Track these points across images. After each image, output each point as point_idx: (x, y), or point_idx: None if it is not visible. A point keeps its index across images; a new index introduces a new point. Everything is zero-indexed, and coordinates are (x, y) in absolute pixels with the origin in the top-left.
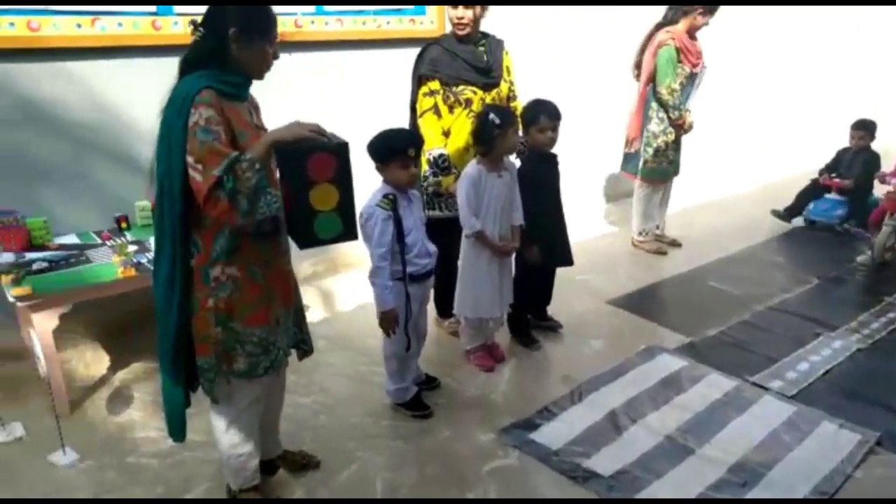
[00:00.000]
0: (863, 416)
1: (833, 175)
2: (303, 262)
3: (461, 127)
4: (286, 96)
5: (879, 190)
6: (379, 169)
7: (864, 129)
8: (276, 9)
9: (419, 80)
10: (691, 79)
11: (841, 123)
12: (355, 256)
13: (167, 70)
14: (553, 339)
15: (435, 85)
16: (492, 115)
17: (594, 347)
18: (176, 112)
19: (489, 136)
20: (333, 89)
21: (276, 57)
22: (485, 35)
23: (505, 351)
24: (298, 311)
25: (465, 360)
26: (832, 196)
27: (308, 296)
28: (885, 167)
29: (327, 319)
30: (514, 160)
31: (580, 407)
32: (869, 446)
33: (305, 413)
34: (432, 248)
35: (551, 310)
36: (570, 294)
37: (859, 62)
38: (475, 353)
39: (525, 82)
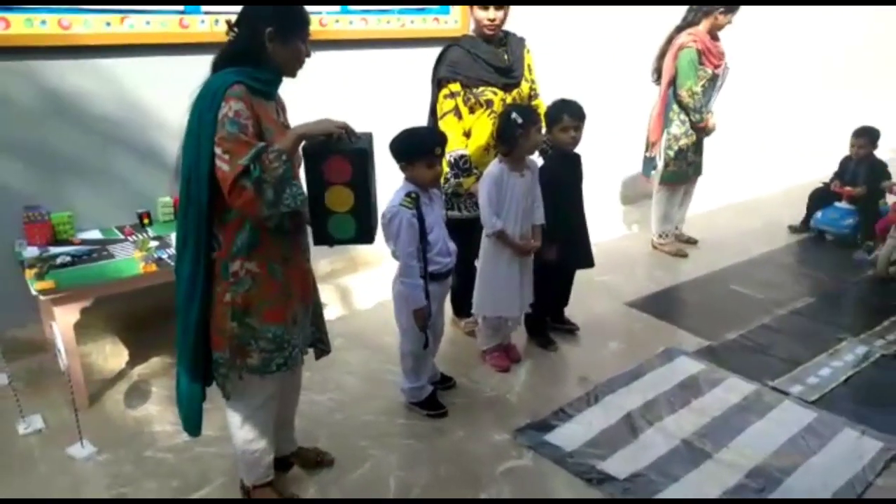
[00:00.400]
0: (885, 423)
1: (842, 183)
2: (321, 259)
3: (482, 128)
4: (310, 95)
5: (893, 198)
6: (403, 168)
7: (866, 136)
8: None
9: (439, 82)
10: (713, 80)
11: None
12: (374, 255)
13: (193, 68)
14: (570, 341)
15: (455, 87)
16: (514, 115)
17: (611, 349)
18: (207, 105)
19: (511, 135)
20: (357, 88)
21: (308, 55)
22: (506, 34)
23: (521, 352)
24: (317, 309)
25: (480, 360)
26: (841, 204)
27: (325, 293)
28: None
29: (344, 317)
30: (538, 158)
31: (596, 409)
32: (892, 454)
33: (320, 410)
34: (453, 246)
35: (569, 310)
36: (588, 295)
37: (883, 63)
38: (491, 354)
39: (548, 82)
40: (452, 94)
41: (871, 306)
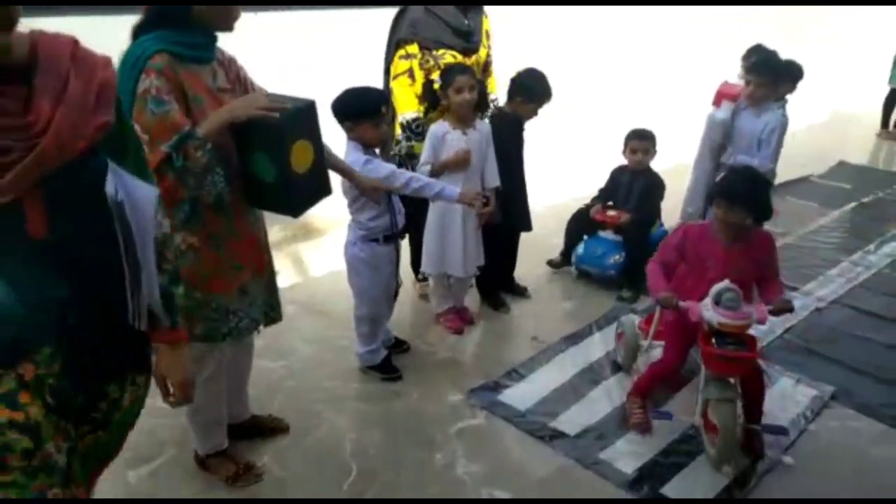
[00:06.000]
0: (817, 371)
1: (609, 204)
2: (273, 226)
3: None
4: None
5: (671, 220)
6: (349, 129)
7: (650, 139)
8: None
9: (397, 43)
10: None
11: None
12: (326, 221)
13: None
14: (522, 302)
15: (413, 48)
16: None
17: (563, 309)
18: (126, 75)
19: (431, 92)
20: (300, 49)
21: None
22: None
23: (475, 314)
24: (270, 277)
25: (435, 323)
26: (606, 234)
27: (278, 261)
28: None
29: (297, 284)
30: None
31: (547, 368)
32: (823, 401)
33: (274, 378)
34: (401, 207)
35: (521, 271)
36: (539, 256)
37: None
38: (445, 316)
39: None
40: (408, 56)
41: (810, 263)
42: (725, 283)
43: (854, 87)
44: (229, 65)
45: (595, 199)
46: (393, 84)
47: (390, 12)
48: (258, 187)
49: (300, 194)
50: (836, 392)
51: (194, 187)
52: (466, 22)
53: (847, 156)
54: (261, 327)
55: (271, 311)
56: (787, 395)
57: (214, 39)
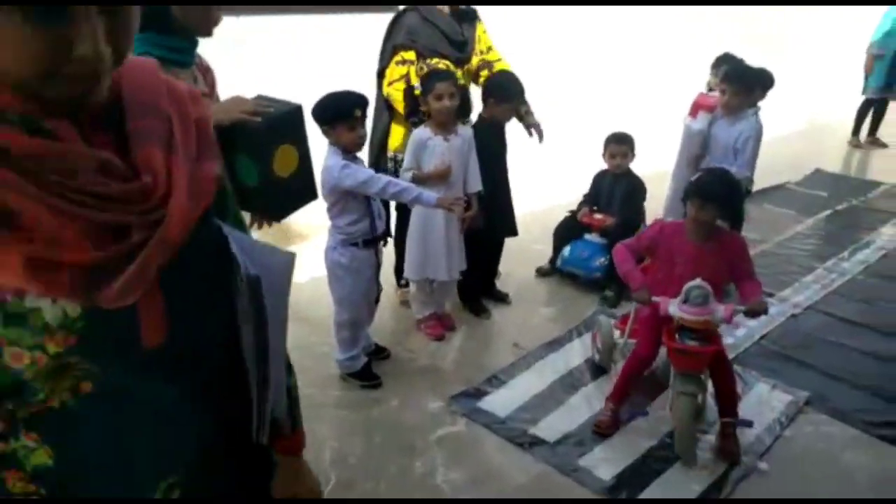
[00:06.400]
0: (792, 377)
1: (594, 208)
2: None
3: None
4: (234, 62)
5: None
6: (326, 132)
7: (627, 142)
8: None
9: (393, 48)
10: None
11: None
12: (307, 227)
13: None
14: (503, 308)
15: (410, 55)
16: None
17: (544, 315)
18: None
19: (411, 99)
20: (286, 54)
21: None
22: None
23: (455, 320)
24: None
25: (416, 330)
26: (592, 237)
27: None
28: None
29: None
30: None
31: (527, 374)
32: (798, 406)
33: None
34: (383, 211)
35: (504, 276)
36: (522, 262)
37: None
38: (426, 322)
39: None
40: (405, 62)
41: (784, 270)
42: (696, 280)
43: (830, 96)
44: (206, 72)
45: (581, 205)
46: (389, 90)
47: (384, 17)
48: (241, 190)
49: (283, 198)
50: (811, 397)
51: None
52: (461, 31)
53: (823, 164)
54: None
55: None
56: (763, 401)
57: (195, 44)
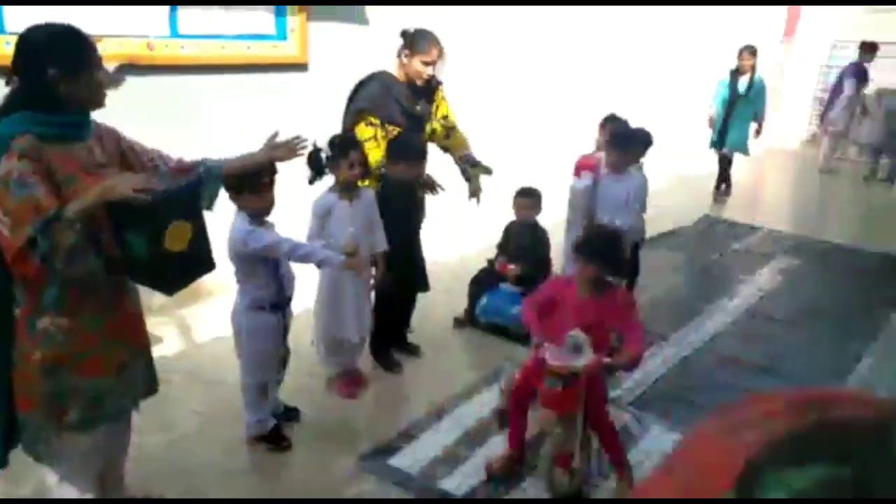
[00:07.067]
0: (686, 418)
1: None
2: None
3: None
4: (138, 122)
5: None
6: (233, 198)
7: (531, 197)
8: (127, 29)
9: (358, 111)
10: None
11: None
12: (214, 285)
13: None
14: (415, 360)
15: (375, 119)
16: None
17: (455, 365)
18: None
19: (319, 164)
20: (190, 115)
21: (107, 75)
22: (427, 83)
23: (368, 376)
24: (148, 351)
25: (327, 388)
26: (507, 287)
27: (162, 327)
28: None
29: (182, 352)
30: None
31: (439, 427)
32: None
33: (156, 453)
34: (292, 274)
35: (415, 328)
36: (433, 312)
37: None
38: (337, 381)
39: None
40: (372, 124)
41: (676, 312)
42: (574, 330)
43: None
44: (107, 138)
45: (498, 255)
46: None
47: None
48: (132, 264)
49: (174, 274)
50: None
51: (63, 269)
52: (418, 108)
53: (711, 210)
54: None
55: (151, 382)
56: (659, 441)
57: (86, 117)
